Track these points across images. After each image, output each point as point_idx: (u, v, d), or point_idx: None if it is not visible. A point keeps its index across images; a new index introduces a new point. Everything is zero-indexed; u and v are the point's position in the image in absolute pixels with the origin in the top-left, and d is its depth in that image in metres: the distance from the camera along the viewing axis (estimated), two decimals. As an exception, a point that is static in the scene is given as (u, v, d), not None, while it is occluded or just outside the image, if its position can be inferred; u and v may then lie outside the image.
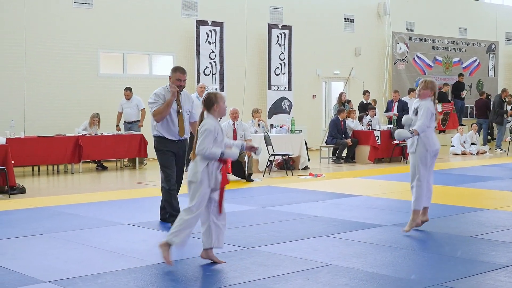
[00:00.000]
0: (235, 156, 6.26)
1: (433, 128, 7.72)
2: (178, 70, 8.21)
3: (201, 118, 6.29)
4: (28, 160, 14.25)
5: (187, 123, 8.37)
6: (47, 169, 15.19)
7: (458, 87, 24.16)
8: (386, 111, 18.79)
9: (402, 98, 19.87)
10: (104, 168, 15.54)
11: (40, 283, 5.53)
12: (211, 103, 6.27)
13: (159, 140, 8.27)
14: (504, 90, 21.63)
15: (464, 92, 24.28)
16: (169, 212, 8.27)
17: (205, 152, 6.03)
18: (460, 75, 24.54)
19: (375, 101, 19.98)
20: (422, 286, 5.40)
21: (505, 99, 21.43)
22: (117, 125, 16.38)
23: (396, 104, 18.52)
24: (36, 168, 15.04)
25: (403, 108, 18.17)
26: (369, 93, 19.62)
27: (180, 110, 8.23)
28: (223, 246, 6.26)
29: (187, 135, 8.39)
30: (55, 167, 15.12)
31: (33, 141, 14.31)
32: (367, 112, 18.45)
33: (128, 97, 16.26)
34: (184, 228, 6.06)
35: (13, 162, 11.73)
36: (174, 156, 8.31)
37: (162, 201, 8.39)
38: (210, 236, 6.16)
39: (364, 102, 19.56)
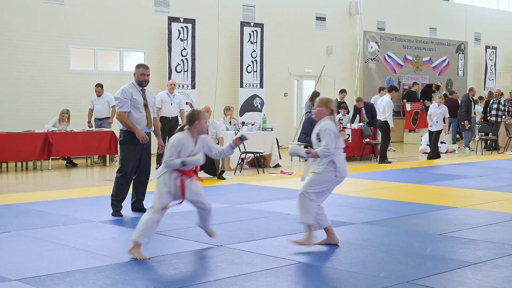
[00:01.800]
0: (199, 162, 6.39)
1: (342, 150, 6.78)
2: (141, 66, 8.68)
3: (180, 131, 6.52)
4: (-3, 156, 14.10)
5: (153, 116, 8.85)
6: (16, 165, 15.02)
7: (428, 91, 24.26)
8: (353, 117, 18.81)
9: (373, 97, 19.98)
10: (74, 165, 15.42)
11: (8, 281, 5.48)
12: (193, 119, 6.43)
13: (127, 134, 8.60)
14: (471, 89, 21.85)
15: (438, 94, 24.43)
16: (113, 204, 8.69)
17: (166, 162, 6.38)
18: (415, 83, 24.47)
19: (360, 98, 19.63)
20: (392, 284, 5.44)
21: (472, 98, 21.65)
22: (89, 122, 16.26)
23: (363, 109, 18.58)
24: (4, 165, 14.87)
25: (371, 111, 18.26)
26: (345, 92, 19.66)
27: (147, 104, 8.65)
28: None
29: (153, 128, 8.85)
30: (24, 163, 14.95)
31: (1, 137, 14.15)
32: (338, 111, 18.54)
33: (99, 94, 16.15)
34: (150, 227, 6.27)
35: (-19, 158, 11.60)
36: (140, 150, 8.66)
37: (133, 193, 8.84)
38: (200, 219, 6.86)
39: (339, 100, 19.60)
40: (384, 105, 16.61)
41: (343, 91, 19.56)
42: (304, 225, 6.71)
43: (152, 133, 8.91)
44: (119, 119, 8.59)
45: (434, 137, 17.51)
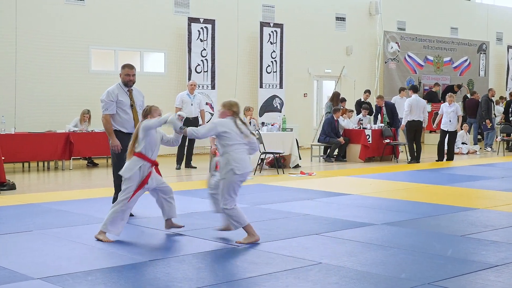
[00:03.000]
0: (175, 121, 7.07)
1: (243, 147, 6.99)
2: (126, 66, 8.80)
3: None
4: (19, 156, 14.21)
5: (140, 116, 8.82)
6: (38, 165, 15.14)
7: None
8: (375, 116, 18.72)
9: (394, 97, 19.89)
10: (95, 165, 15.50)
11: (30, 279, 5.52)
12: (146, 113, 7.37)
13: (115, 134, 8.65)
14: (490, 90, 21.68)
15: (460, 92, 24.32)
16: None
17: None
18: (436, 84, 24.40)
19: (381, 96, 19.43)
20: (413, 285, 5.41)
21: (491, 98, 21.49)
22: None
23: (384, 108, 18.48)
24: (26, 165, 14.99)
25: (392, 111, 18.13)
26: (369, 93, 19.58)
27: (133, 104, 8.71)
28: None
29: None
30: (46, 163, 15.07)
31: (23, 137, 14.27)
32: (360, 111, 18.51)
33: (119, 94, 16.19)
34: (120, 218, 7.10)
35: (3, 158, 11.69)
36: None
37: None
38: (164, 210, 7.55)
39: (362, 100, 19.53)
40: (421, 106, 16.72)
41: (367, 92, 19.49)
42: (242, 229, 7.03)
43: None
44: (103, 121, 8.68)
45: (450, 137, 17.23)
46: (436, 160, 17.14)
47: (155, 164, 7.35)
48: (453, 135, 17.26)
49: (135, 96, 8.82)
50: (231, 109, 7.09)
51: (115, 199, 8.77)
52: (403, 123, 16.79)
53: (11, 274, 5.67)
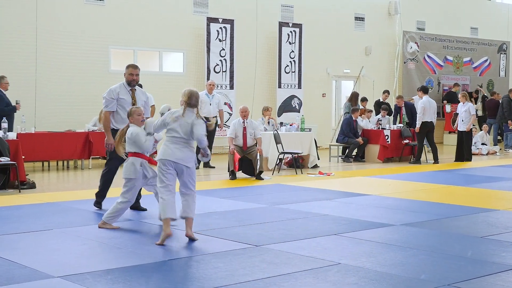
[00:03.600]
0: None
1: (175, 138, 7.09)
2: (130, 66, 9.06)
3: (127, 127, 7.83)
4: (39, 155, 14.32)
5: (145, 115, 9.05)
6: (57, 164, 15.24)
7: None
8: (394, 116, 18.68)
9: (414, 97, 19.76)
10: (114, 164, 15.55)
11: (51, 278, 5.55)
12: (128, 115, 7.91)
13: (114, 132, 8.80)
14: (510, 90, 21.52)
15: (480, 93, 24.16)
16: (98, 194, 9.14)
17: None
18: (456, 84, 24.31)
19: (400, 96, 19.39)
20: (432, 286, 5.39)
21: (512, 98, 21.34)
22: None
23: (403, 108, 18.41)
24: (46, 164, 15.09)
25: (411, 111, 18.06)
26: (388, 93, 19.52)
27: (135, 103, 8.90)
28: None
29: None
30: (65, 162, 15.17)
31: (43, 136, 14.37)
32: (379, 111, 18.46)
33: (138, 93, 16.20)
34: (119, 212, 7.75)
35: (23, 157, 11.79)
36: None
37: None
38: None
39: (381, 100, 19.48)
40: (433, 106, 16.81)
41: (385, 92, 19.43)
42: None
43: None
44: (102, 118, 9.00)
45: (464, 138, 17.10)
46: (454, 161, 17.04)
47: (150, 160, 7.98)
48: (466, 135, 17.08)
49: (138, 96, 9.05)
50: (183, 98, 7.32)
51: (137, 200, 8.95)
52: (418, 125, 16.71)
53: (32, 272, 5.71)
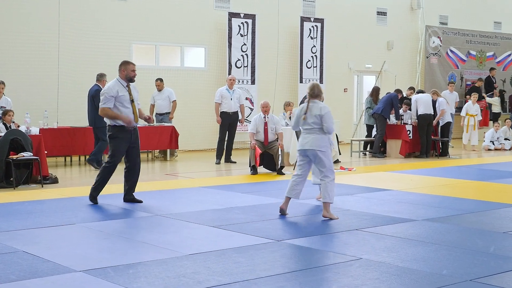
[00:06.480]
0: None
1: None
2: (130, 63, 9.19)
3: None
4: (61, 150, 14.42)
5: (137, 110, 9.25)
6: (79, 159, 15.34)
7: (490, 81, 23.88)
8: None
9: (443, 92, 19.56)
10: (136, 159, 15.61)
11: (73, 272, 5.59)
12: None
13: (114, 128, 8.99)
14: None
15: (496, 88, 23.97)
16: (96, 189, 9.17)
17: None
18: (492, 69, 24.25)
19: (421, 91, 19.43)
20: (454, 282, 5.36)
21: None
22: (150, 117, 16.40)
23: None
24: (68, 159, 15.19)
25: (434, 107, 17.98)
26: (414, 90, 19.42)
27: (133, 99, 9.03)
28: None
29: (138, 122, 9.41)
30: (88, 157, 15.23)
31: (66, 131, 14.46)
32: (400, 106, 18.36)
33: (159, 88, 16.18)
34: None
35: (46, 152, 11.87)
36: (128, 142, 9.10)
37: (126, 185, 9.29)
38: None
39: (405, 96, 19.35)
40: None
41: (411, 88, 19.27)
42: None
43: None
44: (103, 114, 9.00)
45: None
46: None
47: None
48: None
49: (132, 91, 9.18)
50: None
51: (130, 193, 9.31)
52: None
53: (55, 266, 5.76)
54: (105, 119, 9.17)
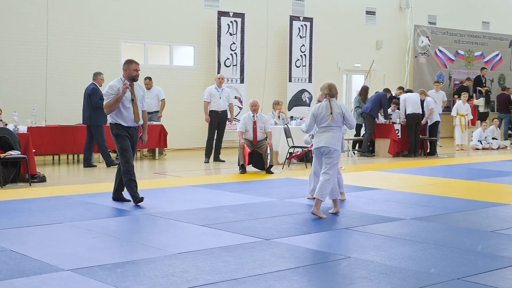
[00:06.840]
0: None
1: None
2: (133, 62, 9.15)
3: None
4: (49, 149, 14.37)
5: (141, 110, 9.19)
6: (68, 158, 15.29)
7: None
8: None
9: (429, 91, 19.64)
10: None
11: (61, 271, 5.58)
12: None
13: (117, 126, 8.99)
14: None
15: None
16: (131, 193, 8.98)
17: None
18: (483, 68, 24.37)
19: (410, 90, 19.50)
20: (442, 280, 5.38)
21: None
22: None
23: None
24: (56, 157, 15.14)
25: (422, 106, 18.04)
26: (403, 89, 19.45)
27: (134, 99, 9.00)
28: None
29: (141, 122, 9.22)
30: (76, 156, 15.19)
31: (54, 130, 14.41)
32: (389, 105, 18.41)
33: (148, 86, 16.12)
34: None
35: (34, 150, 11.82)
36: (130, 140, 9.10)
37: (116, 183, 9.20)
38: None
39: (394, 95, 19.38)
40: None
41: (400, 88, 19.31)
42: None
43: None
44: (107, 110, 8.97)
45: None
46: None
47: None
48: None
49: (136, 91, 9.14)
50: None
51: (120, 192, 9.24)
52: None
53: (42, 265, 5.74)
54: (108, 117, 9.13)
